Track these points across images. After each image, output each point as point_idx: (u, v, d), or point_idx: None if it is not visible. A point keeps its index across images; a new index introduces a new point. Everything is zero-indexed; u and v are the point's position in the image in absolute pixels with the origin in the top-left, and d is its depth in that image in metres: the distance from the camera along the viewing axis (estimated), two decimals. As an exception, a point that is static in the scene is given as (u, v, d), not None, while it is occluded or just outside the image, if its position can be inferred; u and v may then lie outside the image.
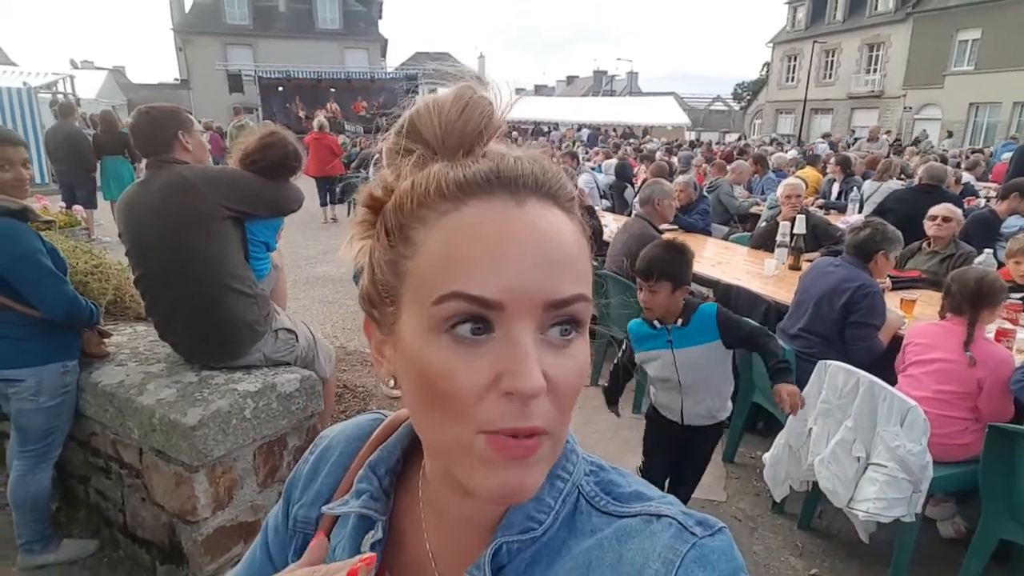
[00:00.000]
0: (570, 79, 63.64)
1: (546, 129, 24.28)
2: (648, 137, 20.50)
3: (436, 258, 0.42)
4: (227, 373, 2.29)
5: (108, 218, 8.08)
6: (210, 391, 2.16)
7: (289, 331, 2.44)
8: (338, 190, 10.21)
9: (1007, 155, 12.20)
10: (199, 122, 2.53)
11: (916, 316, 3.21)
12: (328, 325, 5.31)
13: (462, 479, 0.44)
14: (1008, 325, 2.86)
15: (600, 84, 52.96)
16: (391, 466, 0.56)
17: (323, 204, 10.32)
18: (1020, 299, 3.13)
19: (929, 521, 2.76)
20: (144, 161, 2.33)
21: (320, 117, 11.39)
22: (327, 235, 9.25)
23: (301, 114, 23.23)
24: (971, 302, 2.52)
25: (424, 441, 0.49)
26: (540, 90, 56.91)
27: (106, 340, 2.47)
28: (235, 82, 23.30)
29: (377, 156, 0.52)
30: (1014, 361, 2.54)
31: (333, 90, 24.57)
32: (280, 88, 24.04)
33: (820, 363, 2.64)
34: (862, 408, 2.42)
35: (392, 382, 0.50)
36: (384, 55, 37.30)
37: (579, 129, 24.15)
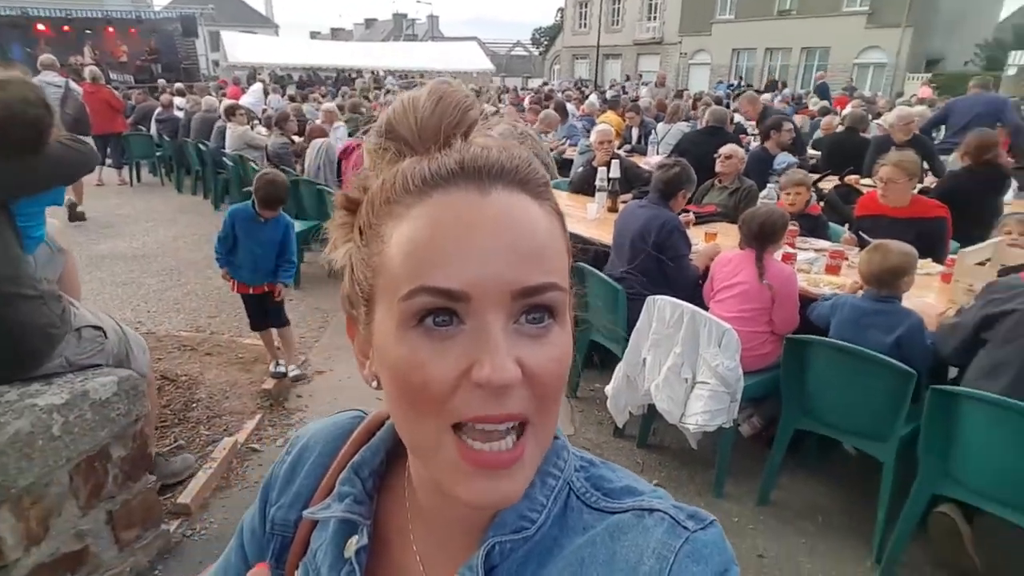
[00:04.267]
0: (368, 22, 60.73)
1: (352, 76, 23.05)
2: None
3: (402, 253, 0.42)
4: (20, 387, 1.91)
5: None
6: (2, 411, 1.80)
7: (95, 328, 2.09)
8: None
9: (767, 96, 14.01)
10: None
11: (719, 246, 3.63)
12: (128, 309, 4.68)
13: (442, 483, 0.43)
14: (790, 249, 3.35)
15: (401, 28, 51.28)
16: (375, 468, 0.55)
17: (105, 166, 8.93)
18: (794, 225, 3.66)
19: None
20: None
21: (92, 67, 9.66)
22: (111, 204, 8.02)
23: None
24: (757, 240, 2.90)
25: (404, 441, 0.48)
26: (337, 34, 53.67)
27: None
28: (-51, 20, 18.81)
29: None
30: (796, 276, 3.00)
31: (89, 31, 20.89)
32: (17, 28, 19.87)
33: (649, 299, 2.88)
34: (687, 335, 2.71)
35: (375, 383, 0.48)
36: (148, -9, 32.39)
37: (385, 76, 23.28)
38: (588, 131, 7.02)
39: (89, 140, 5.73)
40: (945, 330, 2.43)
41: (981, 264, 2.95)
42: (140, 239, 6.62)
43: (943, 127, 7.09)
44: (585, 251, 3.86)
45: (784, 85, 17.54)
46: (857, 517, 2.61)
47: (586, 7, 36.98)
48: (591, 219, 4.29)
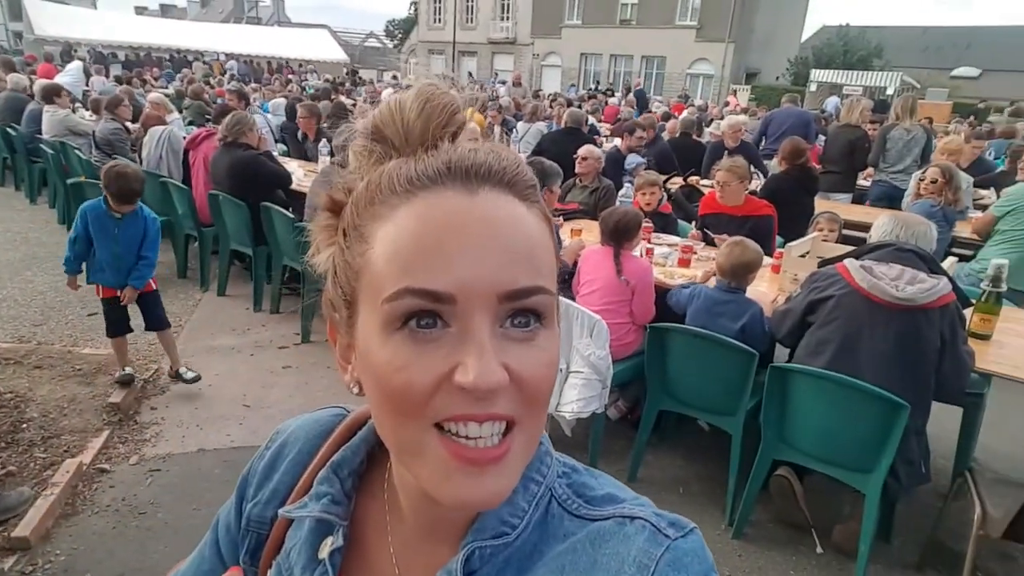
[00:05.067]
0: (204, 1, 56.03)
1: (190, 59, 21.18)
2: (309, 71, 19.51)
3: (387, 253, 0.41)
4: None
5: None
6: None
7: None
8: None
9: (614, 99, 14.95)
10: None
11: (583, 241, 3.85)
12: (-75, 320, 3.99)
13: (424, 485, 0.42)
14: (648, 244, 3.64)
15: (242, 9, 47.80)
16: (354, 468, 0.54)
17: None
18: (648, 223, 3.98)
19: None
20: None
21: None
22: None
23: None
24: (614, 238, 3.12)
25: (388, 445, 0.46)
26: (168, 11, 48.99)
27: None
28: None
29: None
30: (652, 269, 3.27)
31: None
32: None
33: (523, 293, 2.99)
34: (561, 327, 2.84)
35: (356, 389, 0.47)
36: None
37: (226, 61, 21.65)
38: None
39: None
40: (778, 316, 2.78)
41: (803, 256, 3.40)
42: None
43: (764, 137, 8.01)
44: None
45: (628, 90, 18.79)
46: (712, 485, 2.92)
47: (440, 2, 36.89)
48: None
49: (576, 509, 0.50)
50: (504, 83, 20.24)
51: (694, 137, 7.47)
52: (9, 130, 7.14)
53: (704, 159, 6.43)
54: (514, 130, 7.95)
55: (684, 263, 3.60)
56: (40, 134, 6.54)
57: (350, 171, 0.47)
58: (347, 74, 20.57)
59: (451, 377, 0.39)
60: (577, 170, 4.89)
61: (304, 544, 0.52)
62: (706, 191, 4.81)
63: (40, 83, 7.51)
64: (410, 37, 41.91)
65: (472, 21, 35.18)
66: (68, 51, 17.38)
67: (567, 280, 3.45)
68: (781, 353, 3.04)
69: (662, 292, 3.21)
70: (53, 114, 6.42)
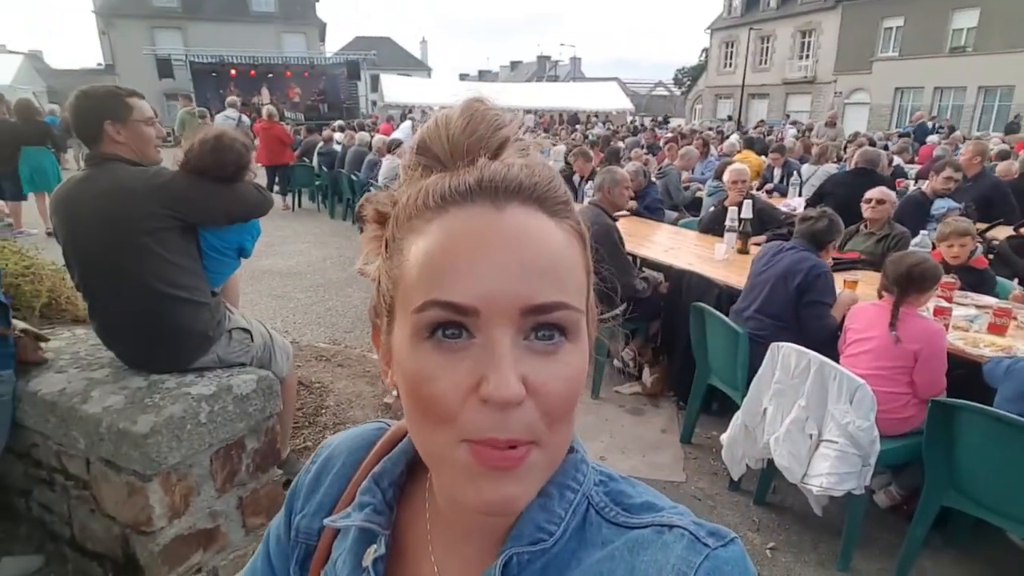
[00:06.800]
0: (514, 64, 63.57)
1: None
2: (595, 121, 20.69)
3: (417, 266, 0.43)
4: (178, 376, 2.18)
5: (32, 212, 7.62)
6: (161, 396, 2.06)
7: (244, 331, 2.35)
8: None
9: (933, 137, 12.88)
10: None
11: (858, 295, 3.35)
12: (278, 320, 5.17)
13: (449, 489, 0.44)
14: (944, 303, 3.02)
15: (544, 69, 52.99)
16: (395, 478, 0.56)
17: (273, 192, 10.25)
18: (953, 279, 3.30)
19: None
20: (71, 150, 2.17)
21: (269, 106, 11.23)
22: (273, 226, 8.95)
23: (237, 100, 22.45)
24: (900, 285, 2.63)
25: (418, 450, 0.48)
26: (484, 76, 56.67)
27: (43, 345, 2.32)
28: (164, 67, 22.18)
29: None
30: (945, 333, 2.69)
31: (270, 75, 23.82)
32: (214, 74, 23.13)
33: (772, 345, 2.72)
34: (813, 387, 2.52)
35: (395, 392, 0.50)
36: (323, 40, 36.29)
37: (524, 115, 24.14)
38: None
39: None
40: None
41: None
42: (295, 258, 7.32)
43: None
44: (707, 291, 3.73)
45: (953, 129, 15.97)
46: (1015, 616, 2.26)
47: (732, 47, 36.13)
48: (718, 260, 4.14)
49: (614, 517, 0.49)
50: (795, 123, 18.89)
51: (1041, 179, 6.03)
52: (353, 176, 8.94)
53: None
54: (795, 172, 7.34)
55: (997, 329, 2.89)
56: (374, 179, 8.08)
57: (398, 184, 0.50)
58: (631, 122, 21.27)
59: (476, 390, 0.41)
60: (867, 215, 4.30)
61: (349, 553, 0.54)
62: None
63: (381, 138, 9.38)
64: (697, 83, 41.75)
65: (766, 63, 33.67)
66: (404, 113, 21.19)
67: (836, 338, 3.03)
68: None
69: (963, 363, 2.62)
70: (391, 161, 7.92)
